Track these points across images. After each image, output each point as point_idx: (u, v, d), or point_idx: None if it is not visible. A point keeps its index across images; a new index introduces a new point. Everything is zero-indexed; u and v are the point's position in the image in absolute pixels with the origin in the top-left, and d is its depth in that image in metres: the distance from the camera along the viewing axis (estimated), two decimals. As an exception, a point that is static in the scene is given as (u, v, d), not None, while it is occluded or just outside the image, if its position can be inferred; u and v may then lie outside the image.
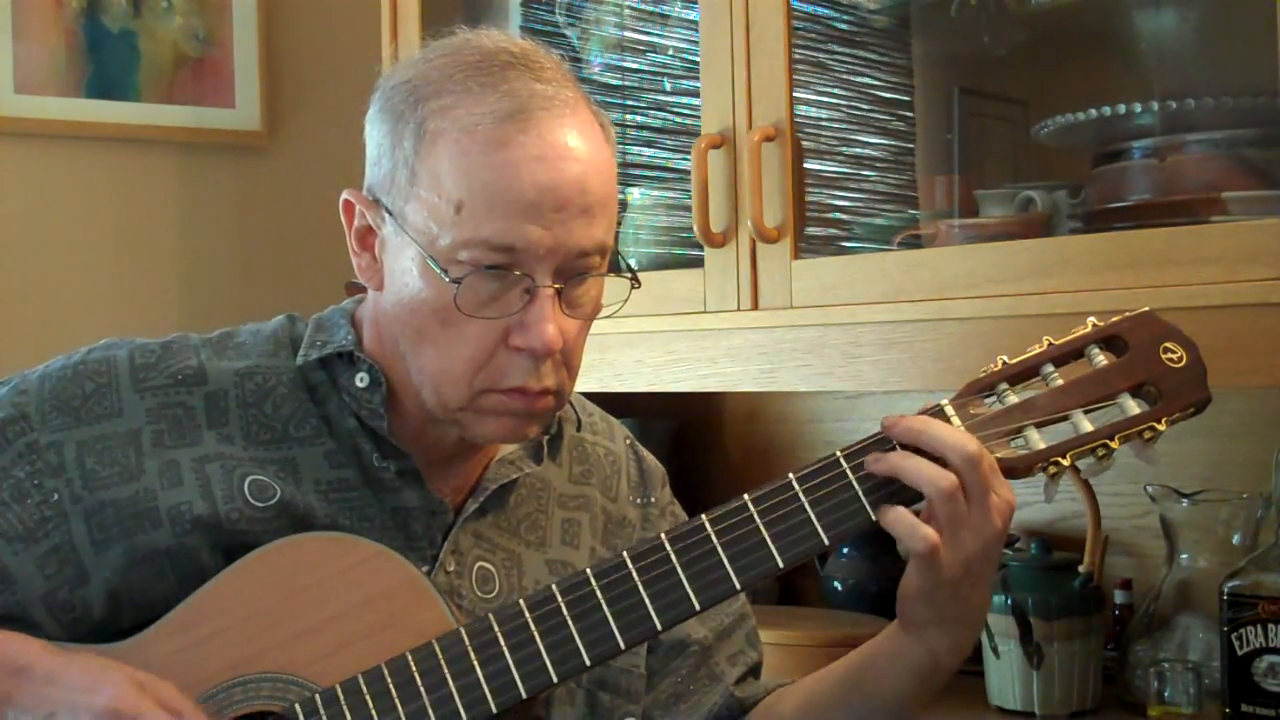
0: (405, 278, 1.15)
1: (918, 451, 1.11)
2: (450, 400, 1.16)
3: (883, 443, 1.14)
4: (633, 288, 1.21)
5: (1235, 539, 1.65)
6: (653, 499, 1.38)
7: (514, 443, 1.26)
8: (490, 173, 1.11)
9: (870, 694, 1.21)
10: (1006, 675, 1.69)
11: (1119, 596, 1.82)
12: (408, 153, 1.14)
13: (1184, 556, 1.68)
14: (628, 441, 1.40)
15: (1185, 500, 1.65)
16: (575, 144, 1.13)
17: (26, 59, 2.37)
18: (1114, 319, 1.17)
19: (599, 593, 1.10)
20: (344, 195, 1.21)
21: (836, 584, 1.99)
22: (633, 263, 1.70)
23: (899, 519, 1.10)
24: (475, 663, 1.09)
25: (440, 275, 1.12)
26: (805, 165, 1.79)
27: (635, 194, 2.06)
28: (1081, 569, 1.68)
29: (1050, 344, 1.17)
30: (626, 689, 1.29)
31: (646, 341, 1.85)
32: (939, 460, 1.10)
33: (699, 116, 1.81)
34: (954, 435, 1.11)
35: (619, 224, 1.23)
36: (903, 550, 1.15)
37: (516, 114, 1.12)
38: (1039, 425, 1.14)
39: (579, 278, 1.15)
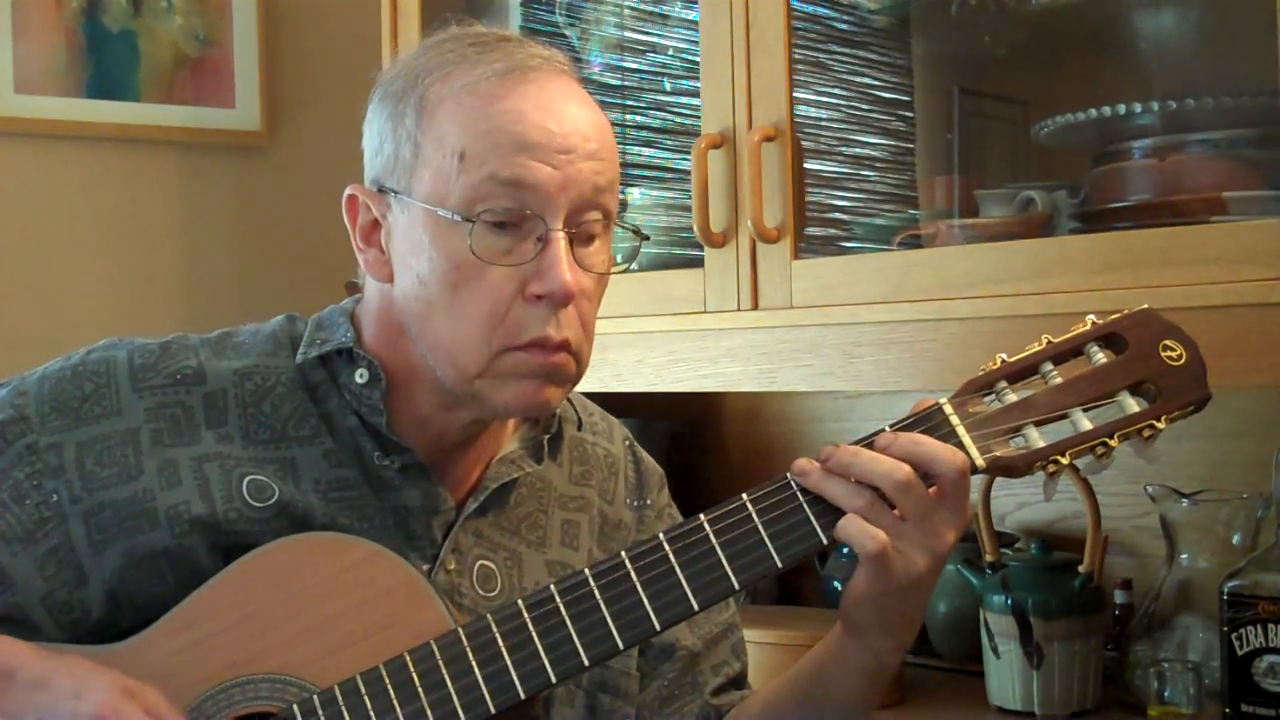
0: (416, 252, 1.15)
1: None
2: (468, 366, 1.15)
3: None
4: (641, 242, 1.23)
5: (1235, 539, 1.65)
6: (649, 501, 1.38)
7: (533, 414, 1.24)
8: (493, 120, 1.13)
9: (822, 698, 1.22)
10: (1006, 675, 1.68)
11: (1119, 596, 1.82)
12: (410, 128, 1.15)
13: (1184, 556, 1.68)
14: (626, 443, 1.40)
15: (1185, 500, 1.65)
16: (577, 94, 1.17)
17: (26, 59, 2.36)
18: (1113, 316, 1.16)
19: (597, 592, 1.10)
20: (348, 191, 1.21)
21: (836, 584, 1.99)
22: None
23: (847, 524, 1.10)
24: (474, 663, 1.09)
25: (453, 223, 1.12)
26: (805, 165, 1.79)
27: (635, 194, 2.06)
28: (1081, 569, 1.68)
29: (1049, 342, 1.16)
30: (625, 691, 1.28)
31: (647, 341, 1.84)
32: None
33: (699, 116, 1.81)
34: (880, 465, 1.09)
35: (620, 212, 1.23)
36: None
37: (516, 69, 1.15)
38: (1038, 424, 1.13)
39: (586, 240, 1.16)
